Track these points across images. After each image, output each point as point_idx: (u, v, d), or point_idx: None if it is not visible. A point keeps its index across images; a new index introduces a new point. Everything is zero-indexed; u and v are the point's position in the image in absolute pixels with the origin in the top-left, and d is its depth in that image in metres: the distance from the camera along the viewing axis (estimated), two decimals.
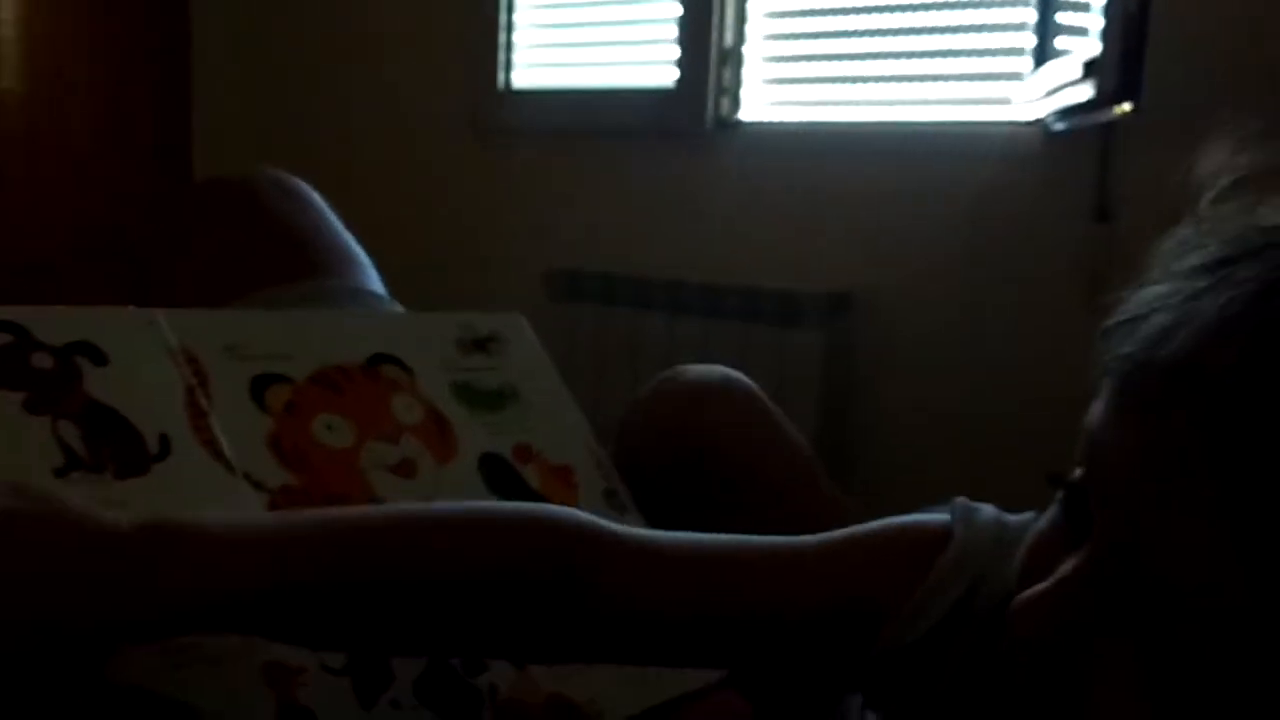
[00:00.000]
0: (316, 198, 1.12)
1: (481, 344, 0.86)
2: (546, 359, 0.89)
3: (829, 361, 1.95)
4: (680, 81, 2.15)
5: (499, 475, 0.80)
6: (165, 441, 0.66)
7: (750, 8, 2.11)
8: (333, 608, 0.53)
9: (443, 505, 0.63)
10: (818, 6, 2.04)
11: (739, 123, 2.12)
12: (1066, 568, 0.44)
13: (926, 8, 1.92)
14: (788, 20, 2.09)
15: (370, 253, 1.09)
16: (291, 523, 0.57)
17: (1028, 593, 0.45)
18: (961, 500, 0.59)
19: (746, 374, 2.06)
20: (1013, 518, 0.57)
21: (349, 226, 1.11)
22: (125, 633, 0.50)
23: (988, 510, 0.58)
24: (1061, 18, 1.72)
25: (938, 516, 0.58)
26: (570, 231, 2.27)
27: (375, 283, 1.07)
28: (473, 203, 2.42)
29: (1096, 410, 0.44)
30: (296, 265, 1.02)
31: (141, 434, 0.66)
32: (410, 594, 0.54)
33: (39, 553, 0.48)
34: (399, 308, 1.02)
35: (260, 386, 0.73)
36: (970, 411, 1.87)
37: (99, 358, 0.68)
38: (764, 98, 2.13)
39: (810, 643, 0.57)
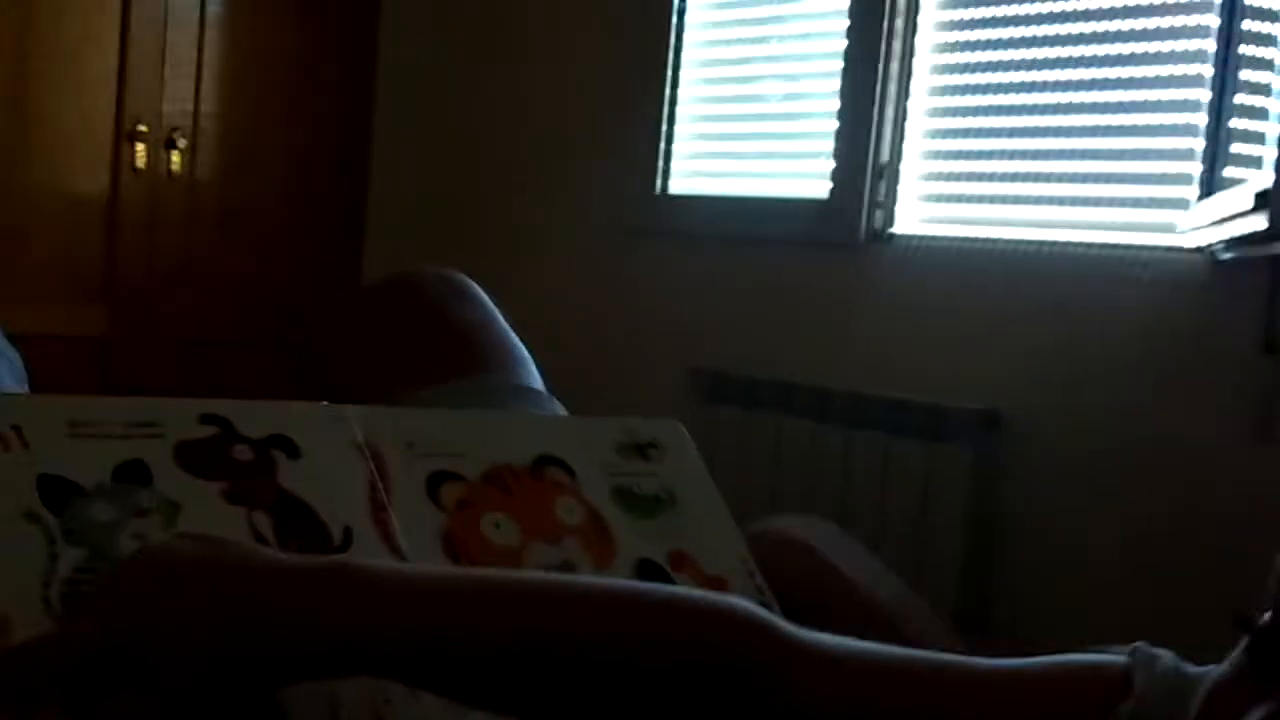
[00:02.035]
0: (483, 295, 1.16)
1: (641, 449, 0.87)
2: (703, 468, 0.90)
3: (976, 480, 1.92)
4: (834, 193, 2.18)
5: (654, 582, 0.81)
6: (348, 534, 0.70)
7: (909, 125, 2.13)
8: (494, 666, 0.54)
9: (628, 583, 0.64)
10: (980, 126, 2.05)
11: (892, 236, 2.13)
12: (1259, 713, 0.42)
13: (1092, 132, 1.91)
14: (948, 139, 2.11)
15: (527, 348, 1.13)
16: (471, 575, 0.60)
17: None
18: (1142, 645, 0.57)
19: (889, 488, 2.04)
20: (1191, 669, 0.55)
21: (509, 323, 1.15)
22: (289, 666, 0.52)
23: (1167, 658, 0.57)
24: (1234, 148, 1.69)
25: (1116, 659, 0.57)
26: (720, 335, 2.30)
27: (537, 380, 1.10)
28: (626, 303, 2.47)
29: None
30: (463, 361, 1.06)
31: (328, 526, 0.69)
32: (580, 665, 0.55)
33: (213, 591, 0.52)
34: (559, 406, 1.05)
35: (435, 483, 0.76)
36: (1129, 545, 1.80)
37: (293, 451, 0.72)
38: (919, 213, 2.14)
39: None
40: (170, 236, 2.60)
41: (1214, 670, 0.53)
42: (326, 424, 0.75)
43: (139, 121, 2.54)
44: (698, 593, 0.62)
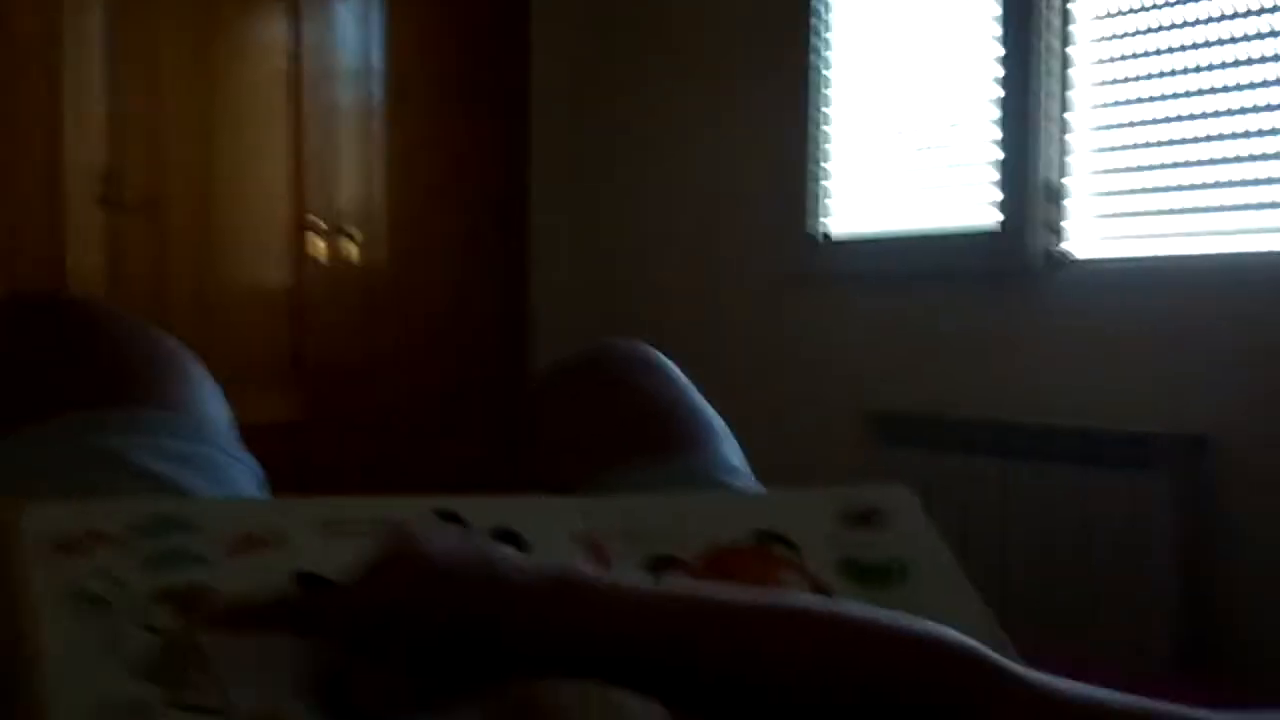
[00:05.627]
0: (673, 367, 1.15)
1: (865, 518, 0.86)
2: (935, 533, 0.87)
3: (1185, 509, 1.82)
4: (1004, 220, 2.13)
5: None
6: None
7: (1073, 141, 2.06)
8: (712, 678, 0.57)
9: (854, 610, 0.64)
10: (1147, 138, 1.97)
11: (1069, 259, 2.06)
12: None
13: (1262, 134, 1.81)
14: (1117, 154, 2.03)
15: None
16: (696, 592, 0.63)
17: None
18: None
19: (1089, 521, 1.94)
20: None
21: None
22: (518, 665, 0.57)
23: None
24: None
25: None
26: (895, 377, 2.26)
27: (737, 454, 1.08)
28: (798, 353, 2.46)
29: None
30: (661, 441, 1.05)
31: None
32: (795, 684, 0.57)
33: (456, 594, 0.58)
34: (756, 485, 1.03)
35: (657, 570, 0.77)
36: None
37: (519, 544, 0.74)
38: (1094, 233, 2.06)
39: None
40: (351, 323, 2.73)
41: None
42: (548, 515, 0.76)
43: (314, 215, 2.67)
44: (919, 623, 0.60)
